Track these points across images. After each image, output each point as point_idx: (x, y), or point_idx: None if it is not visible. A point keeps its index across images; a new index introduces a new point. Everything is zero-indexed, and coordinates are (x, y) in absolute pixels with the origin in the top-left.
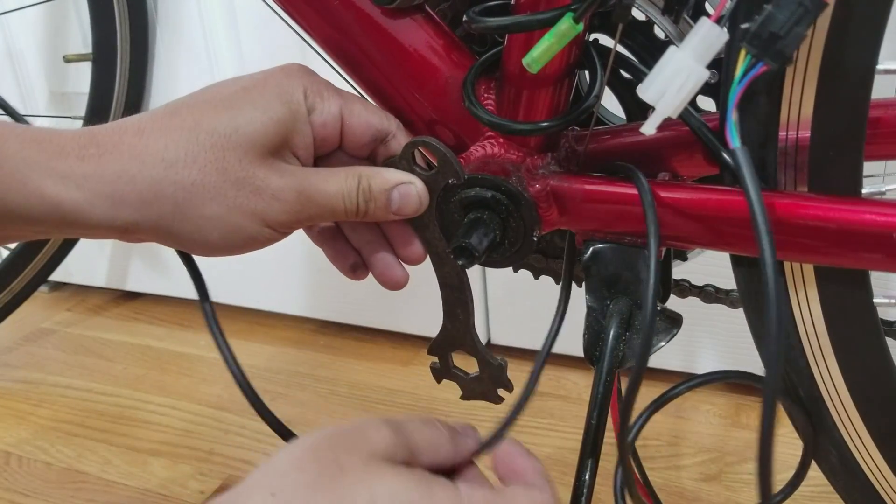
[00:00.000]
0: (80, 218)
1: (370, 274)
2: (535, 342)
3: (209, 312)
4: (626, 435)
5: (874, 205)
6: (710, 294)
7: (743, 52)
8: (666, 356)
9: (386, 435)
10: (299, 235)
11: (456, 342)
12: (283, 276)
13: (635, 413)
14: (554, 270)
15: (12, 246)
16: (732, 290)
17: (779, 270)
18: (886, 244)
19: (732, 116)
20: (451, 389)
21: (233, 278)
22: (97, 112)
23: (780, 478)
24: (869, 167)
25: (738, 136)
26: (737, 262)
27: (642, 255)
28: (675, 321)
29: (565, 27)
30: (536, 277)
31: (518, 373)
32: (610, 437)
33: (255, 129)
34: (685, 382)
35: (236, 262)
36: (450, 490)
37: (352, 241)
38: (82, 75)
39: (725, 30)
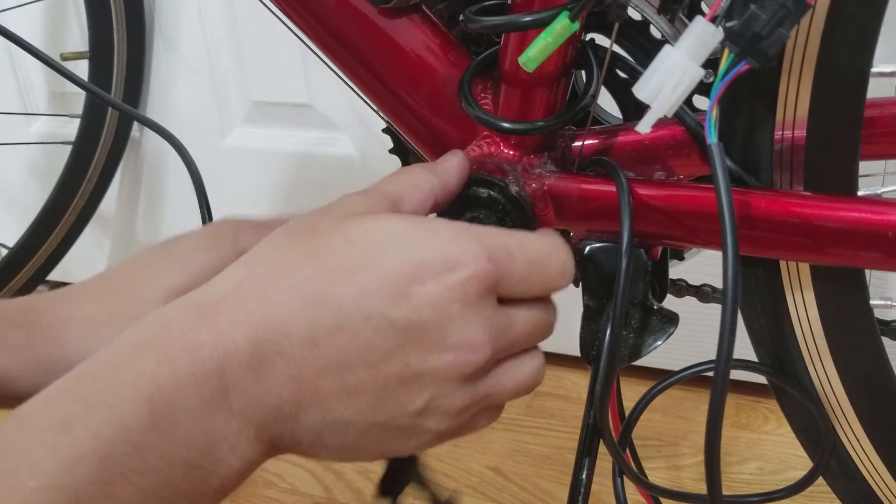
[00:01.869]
0: (6, 387)
1: None
2: None
3: None
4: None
5: (870, 203)
6: (706, 293)
7: (726, 51)
8: (666, 357)
9: (357, 196)
10: None
11: (405, 474)
12: None
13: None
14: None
15: (10, 244)
16: None
17: (773, 270)
18: (883, 243)
19: (713, 113)
20: None
21: None
22: (94, 111)
23: (782, 477)
24: (867, 167)
25: (715, 133)
26: None
27: (640, 255)
28: (671, 320)
29: (561, 26)
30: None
31: None
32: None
33: (174, 282)
34: (672, 376)
35: None
36: (444, 222)
37: None
38: (80, 74)
39: (721, 29)
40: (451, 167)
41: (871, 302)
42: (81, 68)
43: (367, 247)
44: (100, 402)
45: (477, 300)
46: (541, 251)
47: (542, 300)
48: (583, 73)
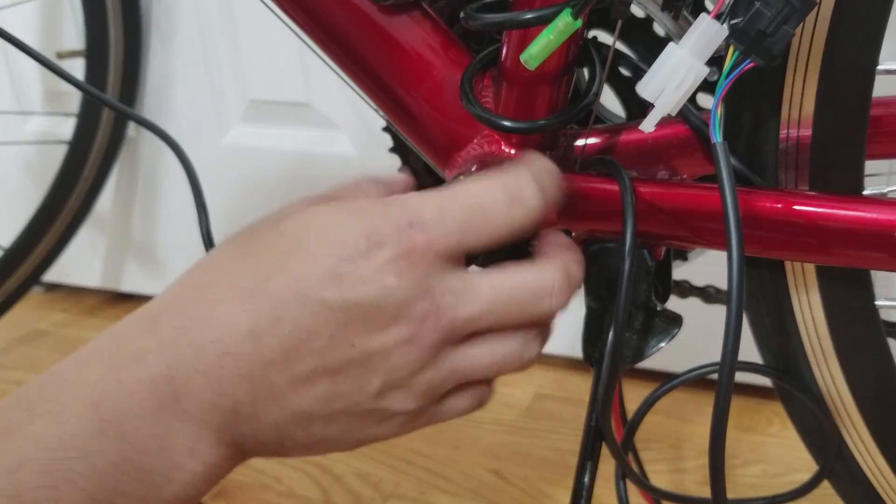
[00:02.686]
0: None
1: None
2: None
3: None
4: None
5: (876, 203)
6: (710, 295)
7: (731, 49)
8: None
9: (297, 204)
10: None
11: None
12: None
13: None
14: None
15: (5, 245)
16: None
17: (778, 271)
18: (889, 243)
19: (717, 111)
20: None
21: None
22: (90, 110)
23: (786, 480)
24: (873, 166)
25: (720, 132)
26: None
27: (643, 256)
28: (674, 322)
29: (563, 23)
30: None
31: (518, 374)
32: None
33: None
34: (676, 378)
35: None
36: (373, 201)
37: None
38: (76, 72)
39: (725, 26)
40: (399, 181)
41: (877, 303)
42: (77, 67)
43: (297, 235)
44: (44, 411)
45: (413, 270)
46: (478, 192)
47: (532, 262)
48: (585, 71)
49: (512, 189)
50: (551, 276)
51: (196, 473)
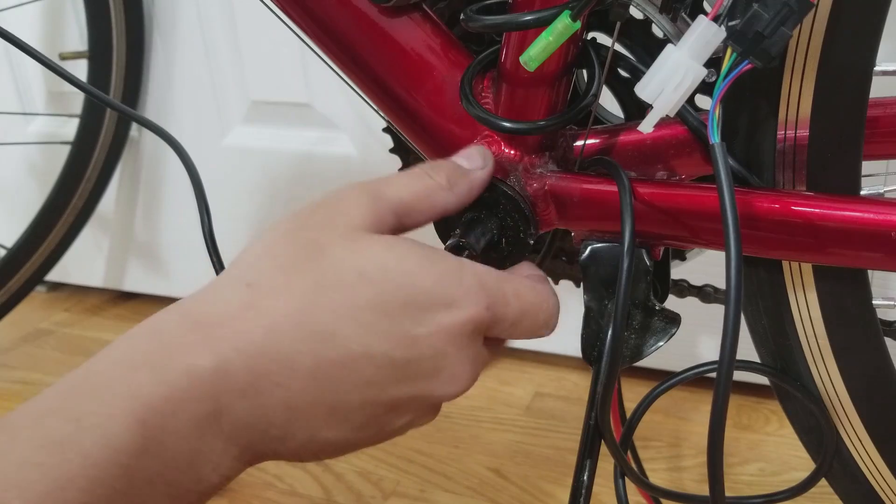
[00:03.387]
0: None
1: None
2: (535, 342)
3: None
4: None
5: (873, 204)
6: (708, 294)
7: (729, 50)
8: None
9: (364, 203)
10: None
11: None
12: None
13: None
14: (574, 276)
15: (8, 245)
16: None
17: (776, 270)
18: (885, 243)
19: (715, 112)
20: None
21: None
22: (93, 111)
23: (784, 479)
24: (870, 167)
25: (718, 132)
26: None
27: (641, 256)
28: (673, 321)
29: (562, 25)
30: (556, 282)
31: (517, 373)
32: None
33: None
34: (674, 377)
35: None
36: (452, 259)
37: None
38: (79, 74)
39: (723, 28)
40: (472, 188)
41: (874, 302)
42: (80, 68)
43: (376, 282)
44: (92, 424)
45: (469, 342)
46: (533, 302)
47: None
48: (584, 72)
49: (551, 315)
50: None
51: (213, 485)
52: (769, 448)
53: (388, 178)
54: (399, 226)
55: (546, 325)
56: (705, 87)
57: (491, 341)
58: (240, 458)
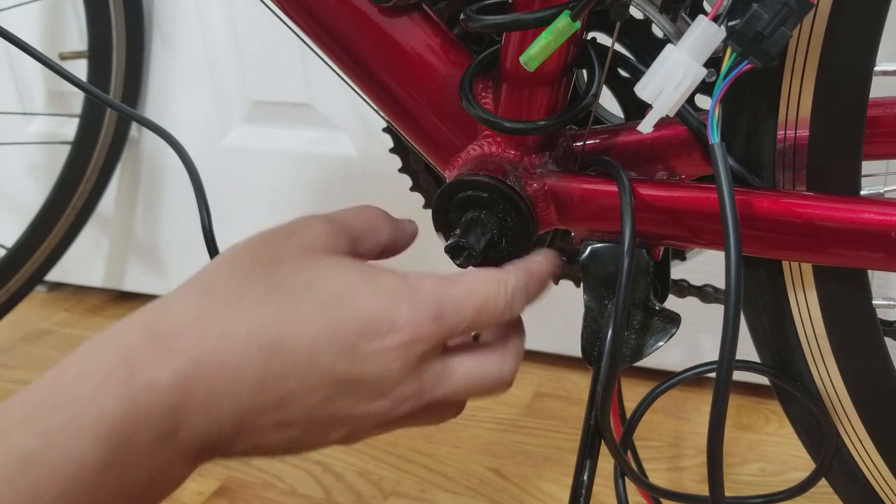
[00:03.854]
0: None
1: None
2: (535, 342)
3: None
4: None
5: (873, 204)
6: (708, 294)
7: (728, 50)
8: (668, 357)
9: (320, 226)
10: None
11: None
12: None
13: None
14: (574, 276)
15: (8, 245)
16: None
17: (776, 270)
18: (885, 243)
19: (715, 112)
20: None
21: None
22: (93, 110)
23: (784, 479)
24: (870, 167)
25: (717, 132)
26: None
27: (641, 255)
28: (672, 321)
29: (562, 25)
30: (556, 282)
31: (518, 373)
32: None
33: None
34: (674, 377)
35: None
36: (395, 275)
37: None
38: (79, 73)
39: (723, 28)
40: (409, 229)
41: (874, 302)
42: (80, 68)
43: (324, 296)
44: (59, 440)
45: (417, 359)
46: (487, 293)
47: (494, 352)
48: (584, 72)
49: (510, 295)
50: (509, 369)
51: (167, 490)
52: (769, 448)
53: (335, 211)
54: (351, 250)
55: (508, 309)
56: (705, 87)
57: (455, 353)
58: (190, 465)
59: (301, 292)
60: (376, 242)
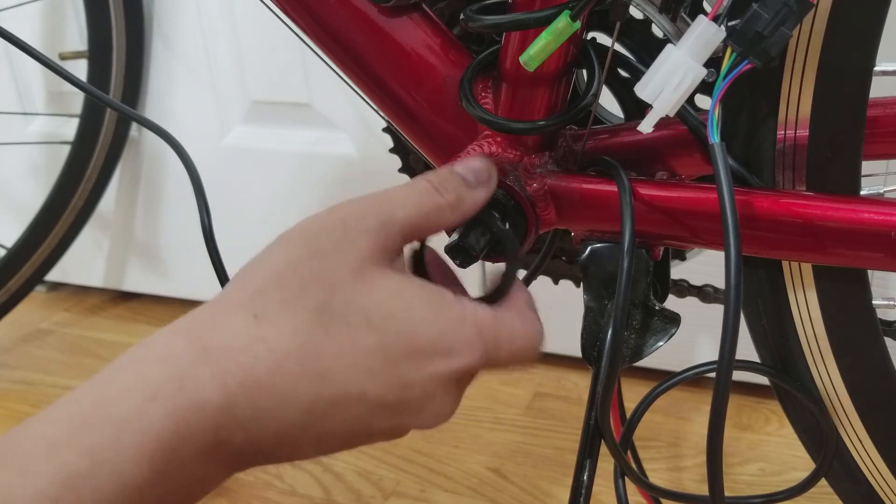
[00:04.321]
0: None
1: None
2: None
3: None
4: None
5: (873, 203)
6: (708, 294)
7: (728, 50)
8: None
9: (373, 229)
10: None
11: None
12: None
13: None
14: (574, 276)
15: (8, 245)
16: None
17: (776, 270)
18: (885, 243)
19: (715, 112)
20: None
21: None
22: (93, 110)
23: (784, 479)
24: (870, 167)
25: (717, 132)
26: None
27: (641, 255)
28: (672, 321)
29: (562, 25)
30: (556, 282)
31: (518, 373)
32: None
33: None
34: (674, 377)
35: (236, 264)
36: (455, 308)
37: None
38: (79, 73)
39: (723, 28)
40: (476, 207)
41: (874, 302)
42: (80, 68)
43: (381, 330)
44: (104, 459)
45: (457, 386)
46: (523, 346)
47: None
48: (584, 72)
49: (537, 351)
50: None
51: (200, 498)
52: (769, 448)
53: (397, 196)
54: (405, 243)
55: (529, 361)
56: (705, 87)
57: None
58: (227, 474)
59: (359, 326)
60: (434, 232)
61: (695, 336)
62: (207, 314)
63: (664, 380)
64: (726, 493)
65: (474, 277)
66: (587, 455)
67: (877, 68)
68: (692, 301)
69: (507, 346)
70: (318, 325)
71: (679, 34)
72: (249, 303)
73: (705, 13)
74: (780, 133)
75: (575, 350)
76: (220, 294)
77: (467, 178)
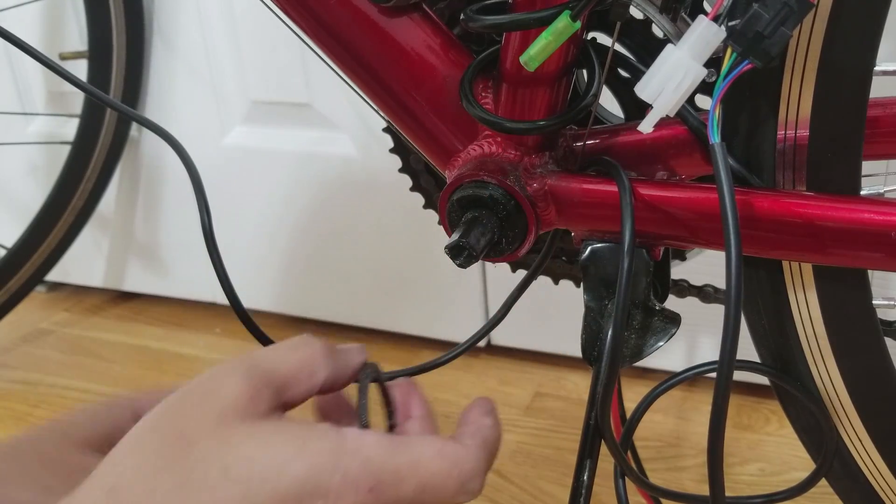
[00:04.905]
0: None
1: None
2: (535, 342)
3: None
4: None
5: (873, 204)
6: (708, 294)
7: (729, 50)
8: (668, 357)
9: (238, 382)
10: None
11: None
12: (283, 276)
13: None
14: (574, 276)
15: (8, 245)
16: None
17: (776, 270)
18: (886, 243)
19: (715, 112)
20: (451, 390)
21: (232, 279)
22: (93, 111)
23: (784, 479)
24: (870, 167)
25: (718, 132)
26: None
27: (641, 255)
28: (673, 321)
29: (562, 25)
30: (556, 282)
31: (518, 373)
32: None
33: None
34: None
35: (235, 264)
36: (329, 439)
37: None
38: (79, 74)
39: (723, 28)
40: (353, 359)
41: (874, 302)
42: (80, 68)
43: (242, 479)
44: None
45: None
46: (437, 472)
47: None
48: (584, 72)
49: (466, 477)
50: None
51: None
52: (769, 448)
53: (265, 350)
54: (278, 402)
55: (462, 491)
56: (705, 87)
57: None
58: None
59: (218, 480)
60: (309, 386)
61: (695, 336)
62: (67, 500)
63: (664, 380)
64: (726, 493)
65: (474, 277)
66: (587, 455)
67: (877, 68)
68: (692, 301)
69: (411, 474)
70: (176, 487)
71: (679, 34)
72: (102, 480)
73: (705, 13)
74: (781, 133)
75: (575, 350)
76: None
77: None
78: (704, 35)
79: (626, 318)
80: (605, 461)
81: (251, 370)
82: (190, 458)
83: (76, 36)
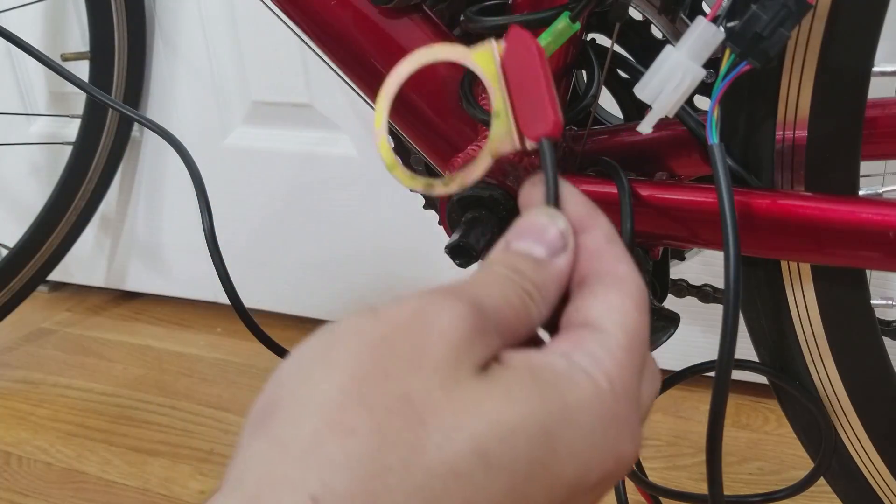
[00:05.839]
0: None
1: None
2: None
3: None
4: None
5: (871, 204)
6: (707, 294)
7: (727, 51)
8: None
9: (464, 317)
10: (301, 235)
11: None
12: (284, 276)
13: None
14: None
15: (11, 245)
16: None
17: (774, 270)
18: (884, 243)
19: (714, 113)
20: None
21: (233, 279)
22: (95, 111)
23: (783, 478)
24: (868, 167)
25: (716, 133)
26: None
27: (640, 256)
28: (672, 320)
29: (562, 26)
30: None
31: None
32: None
33: None
34: (673, 376)
35: (237, 263)
36: (629, 423)
37: None
38: (81, 74)
39: (722, 29)
40: (561, 288)
41: (872, 302)
42: (82, 69)
43: (500, 480)
44: None
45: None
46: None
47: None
48: (584, 73)
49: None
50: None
51: None
52: (768, 447)
53: (479, 284)
54: (498, 346)
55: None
56: (704, 88)
57: None
58: None
59: (472, 472)
60: (524, 334)
61: (694, 336)
62: (245, 497)
63: (664, 379)
64: (725, 492)
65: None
66: None
67: (876, 69)
68: (691, 301)
69: (648, 389)
70: (403, 498)
71: (678, 35)
72: (300, 474)
73: (704, 14)
74: (779, 133)
75: None
76: (258, 451)
77: (537, 253)
78: (703, 36)
79: None
80: None
81: (478, 310)
82: (423, 439)
83: (78, 37)
